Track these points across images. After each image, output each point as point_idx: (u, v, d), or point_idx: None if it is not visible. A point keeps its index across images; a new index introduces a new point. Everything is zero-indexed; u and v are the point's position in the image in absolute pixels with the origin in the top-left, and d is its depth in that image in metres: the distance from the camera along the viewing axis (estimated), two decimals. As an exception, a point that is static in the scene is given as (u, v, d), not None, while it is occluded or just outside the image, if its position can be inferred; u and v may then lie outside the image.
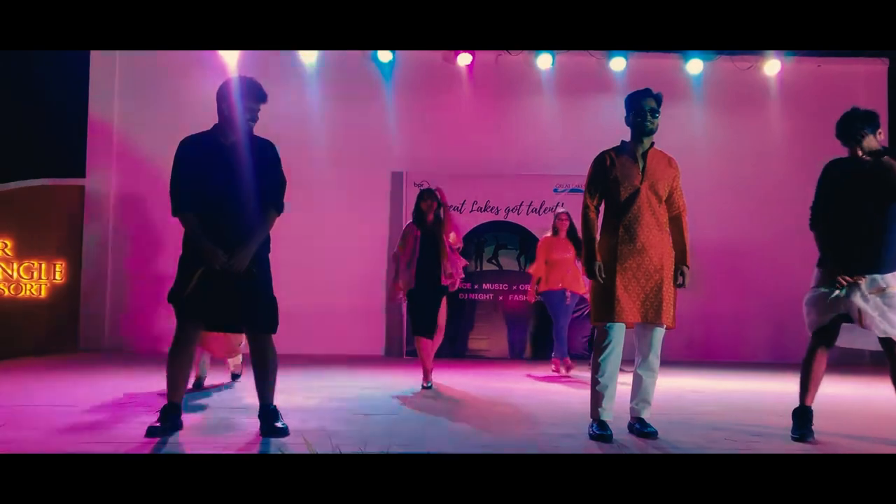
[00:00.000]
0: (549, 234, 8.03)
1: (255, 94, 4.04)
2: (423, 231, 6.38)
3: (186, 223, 4.00)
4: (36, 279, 10.08)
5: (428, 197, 6.44)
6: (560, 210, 8.13)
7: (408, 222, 6.62)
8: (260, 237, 4.02)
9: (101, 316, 9.91)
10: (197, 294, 3.92)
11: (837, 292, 4.23)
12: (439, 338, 6.50)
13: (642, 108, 4.15)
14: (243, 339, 5.59)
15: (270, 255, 4.19)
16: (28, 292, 10.07)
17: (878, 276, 4.14)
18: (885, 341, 4.19)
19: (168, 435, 3.87)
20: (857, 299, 4.15)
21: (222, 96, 4.04)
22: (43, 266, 10.09)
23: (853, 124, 4.27)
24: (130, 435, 3.94)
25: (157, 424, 3.91)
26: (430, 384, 6.38)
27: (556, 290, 7.74)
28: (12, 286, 10.04)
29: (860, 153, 4.25)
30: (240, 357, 6.17)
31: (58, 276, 10.05)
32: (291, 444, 3.56)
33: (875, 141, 4.26)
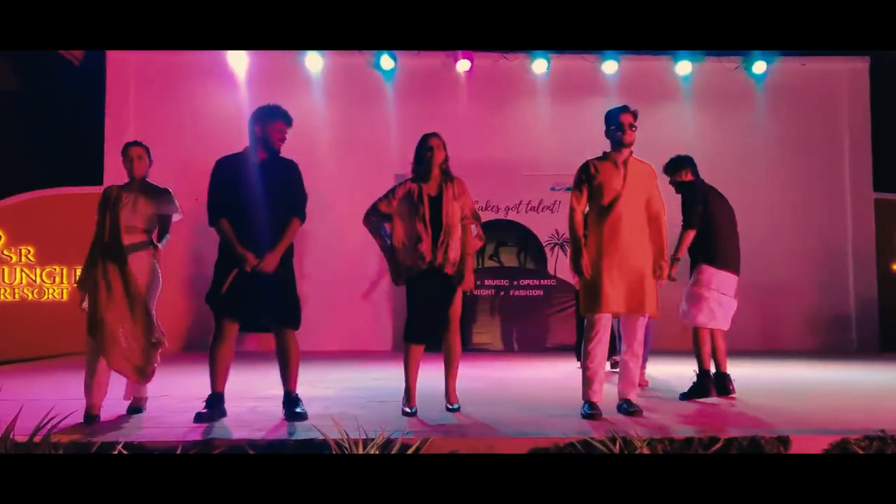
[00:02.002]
0: None
1: (283, 118, 4.59)
2: (427, 191, 4.86)
3: (221, 231, 4.52)
4: (58, 283, 10.55)
5: (433, 138, 4.88)
6: None
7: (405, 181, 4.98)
8: (286, 243, 4.53)
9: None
10: (231, 294, 4.42)
11: None
12: (455, 341, 4.89)
13: (621, 122, 4.65)
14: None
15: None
16: (51, 296, 10.55)
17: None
18: None
19: (214, 421, 4.38)
20: None
21: (253, 121, 4.59)
22: (64, 271, 10.55)
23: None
24: (176, 420, 4.44)
25: (204, 411, 4.41)
26: (456, 405, 4.87)
27: None
28: (36, 290, 10.53)
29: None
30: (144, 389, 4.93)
31: (78, 280, 10.50)
32: (322, 427, 3.92)
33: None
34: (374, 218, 4.93)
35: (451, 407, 4.87)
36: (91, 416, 4.51)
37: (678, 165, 5.84)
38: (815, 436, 4.00)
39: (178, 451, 3.59)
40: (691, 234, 5.55)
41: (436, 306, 4.81)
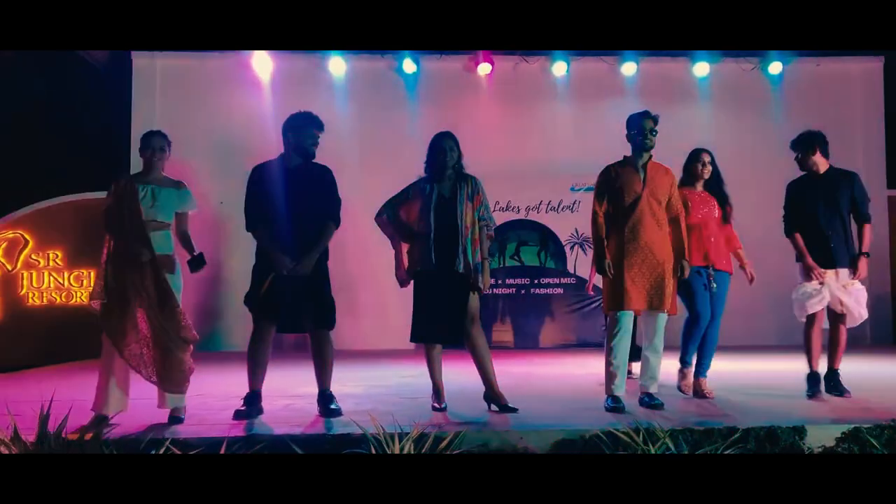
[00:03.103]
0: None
1: (314, 124, 4.78)
2: (440, 191, 4.91)
3: (258, 236, 4.73)
4: (85, 287, 10.70)
5: (449, 138, 4.94)
6: (701, 149, 5.67)
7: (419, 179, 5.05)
8: (321, 247, 4.73)
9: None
10: (268, 297, 4.62)
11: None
12: (480, 338, 4.90)
13: (643, 127, 4.85)
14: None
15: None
16: (78, 299, 10.73)
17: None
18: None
19: (253, 418, 4.59)
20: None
21: (286, 129, 4.78)
22: (92, 274, 10.70)
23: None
24: (218, 418, 4.65)
25: (243, 408, 4.62)
26: (511, 405, 4.78)
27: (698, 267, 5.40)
28: (64, 294, 10.70)
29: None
30: (182, 398, 4.62)
31: (106, 284, 10.69)
32: (360, 422, 4.11)
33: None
34: (386, 216, 5.02)
35: (504, 406, 4.78)
36: (101, 417, 4.38)
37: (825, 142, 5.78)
38: (828, 425, 4.20)
39: (223, 446, 3.79)
40: (870, 228, 5.49)
41: (446, 307, 4.82)
